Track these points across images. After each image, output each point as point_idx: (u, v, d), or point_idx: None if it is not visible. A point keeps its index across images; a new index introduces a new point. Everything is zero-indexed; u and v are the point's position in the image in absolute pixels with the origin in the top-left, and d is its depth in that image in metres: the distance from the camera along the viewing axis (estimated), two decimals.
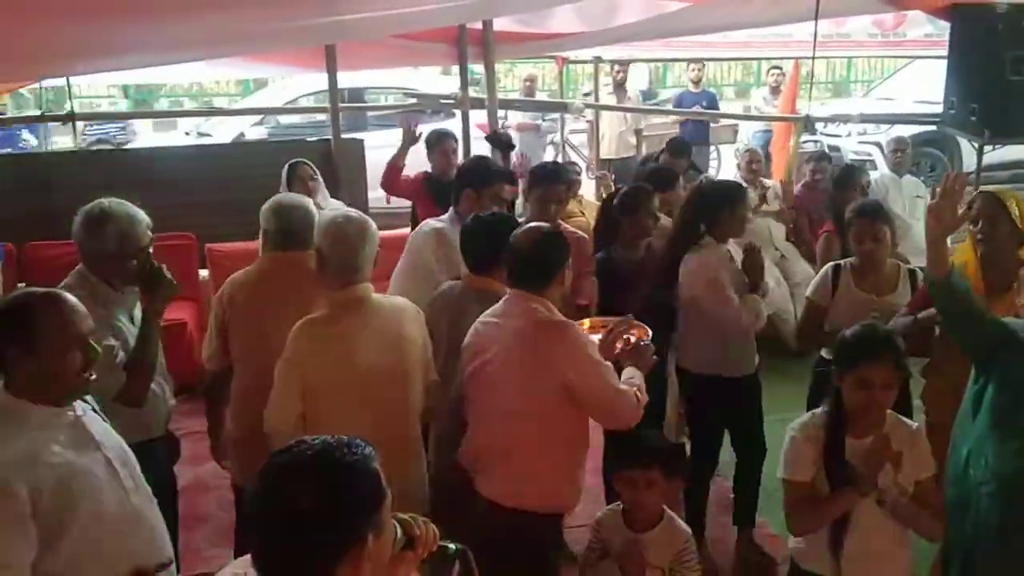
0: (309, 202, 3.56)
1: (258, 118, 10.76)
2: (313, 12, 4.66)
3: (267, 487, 1.58)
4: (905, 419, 2.94)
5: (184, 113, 14.14)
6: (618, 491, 3.14)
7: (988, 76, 5.67)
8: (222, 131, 10.43)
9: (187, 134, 11.43)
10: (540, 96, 10.55)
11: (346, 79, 8.03)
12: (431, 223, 4.21)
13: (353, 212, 3.18)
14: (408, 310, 3.16)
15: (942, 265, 2.87)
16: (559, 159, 10.01)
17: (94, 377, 2.33)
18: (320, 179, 5.45)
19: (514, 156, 5.93)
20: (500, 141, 5.85)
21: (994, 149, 6.26)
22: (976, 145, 6.18)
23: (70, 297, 2.33)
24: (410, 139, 5.81)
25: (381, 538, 1.62)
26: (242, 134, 10.37)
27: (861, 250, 3.97)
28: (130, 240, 3.09)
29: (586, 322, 3.43)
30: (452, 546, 1.88)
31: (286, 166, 5.43)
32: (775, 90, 10.51)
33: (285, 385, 2.93)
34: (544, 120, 10.52)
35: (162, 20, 4.14)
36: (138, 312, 3.19)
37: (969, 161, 6.73)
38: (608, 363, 2.99)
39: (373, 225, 3.11)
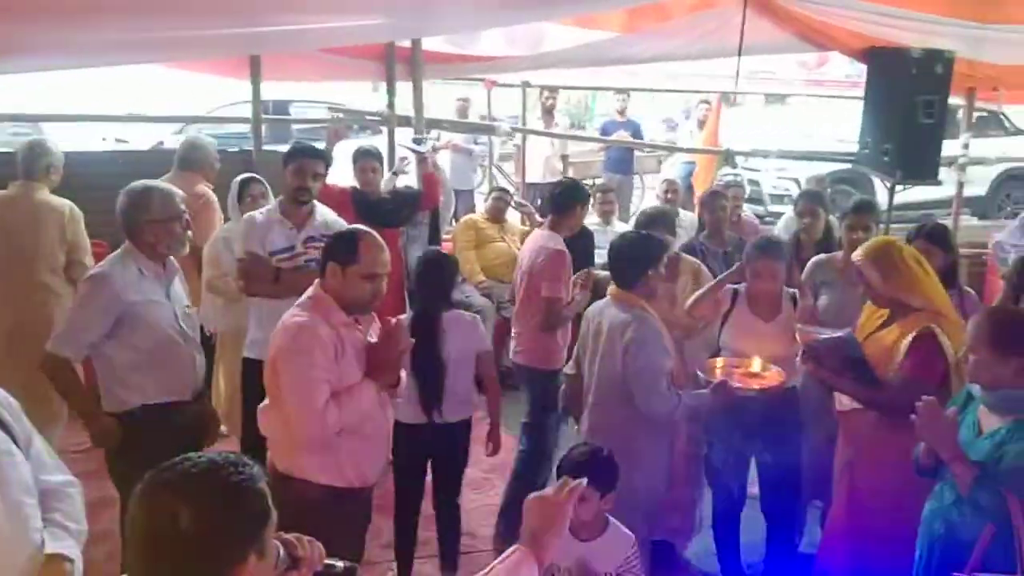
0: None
1: (179, 126, 10.52)
2: (237, 22, 4.58)
3: (148, 504, 1.53)
4: None
5: (103, 118, 13.61)
6: None
7: (901, 118, 5.86)
8: (140, 137, 10.18)
9: (104, 139, 11.12)
10: (471, 119, 10.52)
11: (271, 91, 7.91)
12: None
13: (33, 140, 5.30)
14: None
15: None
16: (487, 183, 10.00)
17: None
18: (271, 196, 5.26)
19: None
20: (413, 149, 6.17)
21: (905, 189, 6.46)
22: (888, 185, 6.37)
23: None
24: (333, 143, 5.71)
25: (263, 560, 1.59)
26: (161, 142, 10.13)
27: (757, 287, 4.15)
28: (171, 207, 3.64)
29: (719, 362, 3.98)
30: (339, 564, 1.85)
31: (238, 180, 5.26)
32: (702, 123, 10.62)
33: None
34: (477, 143, 10.53)
35: (84, 22, 4.03)
36: (175, 288, 3.62)
37: (881, 199, 6.91)
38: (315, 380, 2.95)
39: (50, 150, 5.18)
